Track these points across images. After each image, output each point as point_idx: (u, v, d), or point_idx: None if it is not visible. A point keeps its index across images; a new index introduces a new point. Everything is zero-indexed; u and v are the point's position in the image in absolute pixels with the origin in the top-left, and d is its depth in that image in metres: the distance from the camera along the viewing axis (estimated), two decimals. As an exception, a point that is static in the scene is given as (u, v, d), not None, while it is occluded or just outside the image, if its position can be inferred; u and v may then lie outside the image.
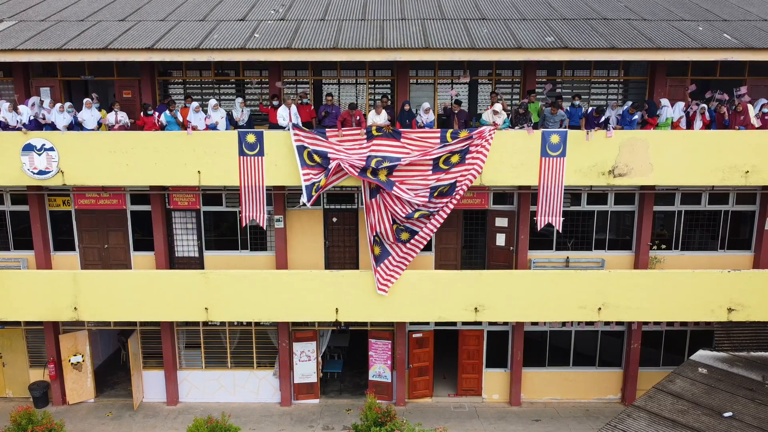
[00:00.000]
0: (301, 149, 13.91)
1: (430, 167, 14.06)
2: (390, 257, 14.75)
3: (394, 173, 14.06)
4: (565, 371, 17.02)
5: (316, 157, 13.93)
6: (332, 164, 13.96)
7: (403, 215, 14.28)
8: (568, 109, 14.76)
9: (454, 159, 13.95)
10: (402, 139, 13.98)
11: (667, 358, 16.98)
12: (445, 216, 14.37)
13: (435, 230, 14.56)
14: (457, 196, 14.13)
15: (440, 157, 13.95)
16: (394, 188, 14.01)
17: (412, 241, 14.63)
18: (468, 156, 13.90)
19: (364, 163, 13.91)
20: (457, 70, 15.67)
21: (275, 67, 15.20)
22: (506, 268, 15.86)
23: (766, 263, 15.74)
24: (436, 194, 14.12)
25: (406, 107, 14.54)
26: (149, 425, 15.82)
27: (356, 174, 14.01)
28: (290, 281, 14.94)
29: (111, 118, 14.45)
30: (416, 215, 14.25)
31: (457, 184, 14.02)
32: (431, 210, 14.22)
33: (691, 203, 15.75)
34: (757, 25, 15.72)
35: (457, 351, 16.98)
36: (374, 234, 14.78)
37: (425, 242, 14.70)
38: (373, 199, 14.49)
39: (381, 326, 16.65)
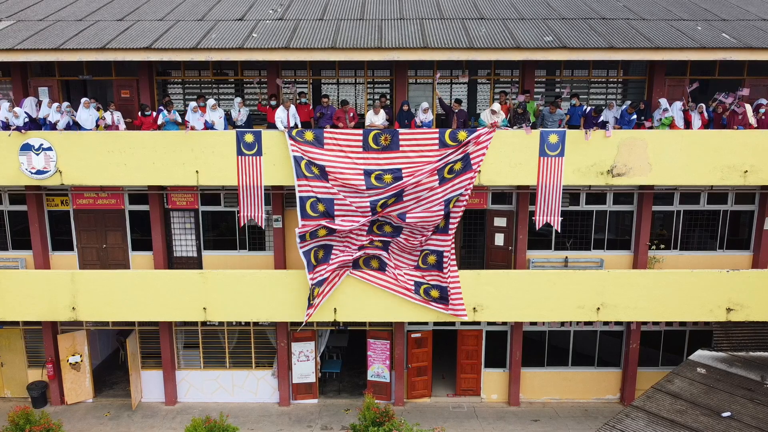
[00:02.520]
0: (298, 159, 13.85)
1: (437, 180, 13.99)
2: (446, 290, 14.78)
3: (404, 198, 14.00)
4: (564, 371, 17.01)
5: (314, 169, 13.88)
6: (338, 224, 14.11)
7: (426, 240, 14.59)
8: (568, 108, 14.74)
9: (458, 167, 13.90)
10: (400, 146, 13.85)
11: (666, 358, 16.98)
12: (455, 225, 14.50)
13: (452, 239, 14.56)
14: (464, 200, 14.21)
15: (444, 167, 13.90)
16: (407, 218, 14.16)
17: (444, 261, 14.66)
18: (472, 161, 13.86)
19: (362, 179, 13.80)
20: (456, 69, 15.66)
21: (274, 67, 15.18)
22: (505, 267, 15.84)
23: (765, 263, 15.73)
24: (452, 205, 14.16)
25: (405, 108, 14.52)
26: (147, 425, 15.81)
27: (365, 233, 14.41)
28: (289, 281, 14.92)
29: (107, 118, 14.41)
30: (442, 224, 14.44)
31: (464, 192, 14.06)
32: (454, 214, 14.38)
33: (690, 203, 15.73)
34: (756, 24, 15.71)
35: (456, 351, 16.97)
36: (416, 288, 14.87)
37: (453, 254, 14.74)
38: (388, 272, 14.90)
39: (380, 326, 16.63)
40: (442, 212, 14.13)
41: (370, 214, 14.08)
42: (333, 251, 14.61)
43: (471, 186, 14.01)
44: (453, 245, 14.66)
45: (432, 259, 14.76)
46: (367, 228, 14.51)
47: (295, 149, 13.82)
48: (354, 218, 14.11)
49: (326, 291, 14.82)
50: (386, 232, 14.64)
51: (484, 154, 13.86)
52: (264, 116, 15.11)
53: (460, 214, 14.39)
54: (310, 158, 13.83)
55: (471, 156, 13.85)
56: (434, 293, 14.84)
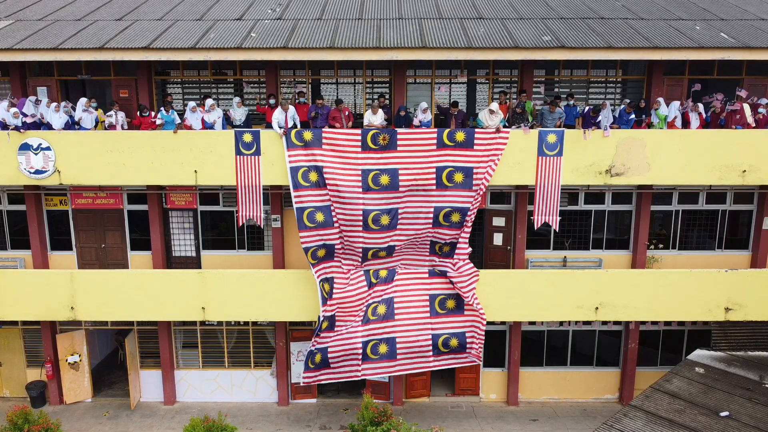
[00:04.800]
0: (295, 169, 13.80)
1: (431, 222, 14.13)
2: (464, 336, 14.85)
3: (398, 226, 14.09)
4: (562, 371, 17.01)
5: (311, 176, 13.84)
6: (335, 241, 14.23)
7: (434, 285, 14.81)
8: (564, 108, 14.73)
9: (455, 218, 14.02)
10: (398, 146, 13.80)
11: (665, 357, 16.97)
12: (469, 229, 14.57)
13: (468, 282, 14.67)
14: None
15: (440, 210, 13.98)
16: (395, 251, 14.43)
17: (464, 303, 14.77)
18: (468, 216, 14.03)
19: (359, 180, 13.78)
20: (454, 69, 15.66)
21: (272, 67, 15.19)
22: (503, 267, 15.85)
23: (764, 262, 15.73)
24: (437, 248, 14.38)
25: (402, 113, 14.40)
26: (146, 425, 15.82)
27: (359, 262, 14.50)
28: (288, 281, 14.91)
29: (111, 118, 14.40)
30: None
31: (461, 238, 14.32)
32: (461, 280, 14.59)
33: (689, 203, 15.73)
34: (754, 24, 15.71)
35: (455, 350, 16.96)
36: (434, 342, 14.81)
37: (476, 298, 14.75)
38: (400, 354, 14.89)
39: (378, 326, 16.61)
40: (427, 253, 14.54)
41: (361, 227, 13.96)
42: (335, 284, 14.58)
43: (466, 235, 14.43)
44: (472, 289, 14.57)
45: (450, 303, 14.81)
46: (364, 280, 14.62)
47: (292, 159, 13.79)
48: (348, 226, 14.09)
49: (329, 375, 15.02)
50: (382, 277, 14.76)
51: (476, 210, 14.16)
52: (263, 116, 15.10)
53: (461, 265, 14.56)
54: (308, 163, 13.79)
55: (469, 212, 14.01)
56: (453, 342, 14.81)
